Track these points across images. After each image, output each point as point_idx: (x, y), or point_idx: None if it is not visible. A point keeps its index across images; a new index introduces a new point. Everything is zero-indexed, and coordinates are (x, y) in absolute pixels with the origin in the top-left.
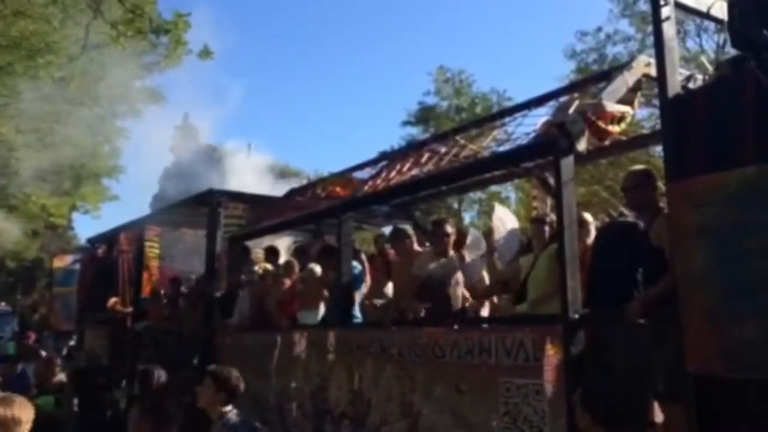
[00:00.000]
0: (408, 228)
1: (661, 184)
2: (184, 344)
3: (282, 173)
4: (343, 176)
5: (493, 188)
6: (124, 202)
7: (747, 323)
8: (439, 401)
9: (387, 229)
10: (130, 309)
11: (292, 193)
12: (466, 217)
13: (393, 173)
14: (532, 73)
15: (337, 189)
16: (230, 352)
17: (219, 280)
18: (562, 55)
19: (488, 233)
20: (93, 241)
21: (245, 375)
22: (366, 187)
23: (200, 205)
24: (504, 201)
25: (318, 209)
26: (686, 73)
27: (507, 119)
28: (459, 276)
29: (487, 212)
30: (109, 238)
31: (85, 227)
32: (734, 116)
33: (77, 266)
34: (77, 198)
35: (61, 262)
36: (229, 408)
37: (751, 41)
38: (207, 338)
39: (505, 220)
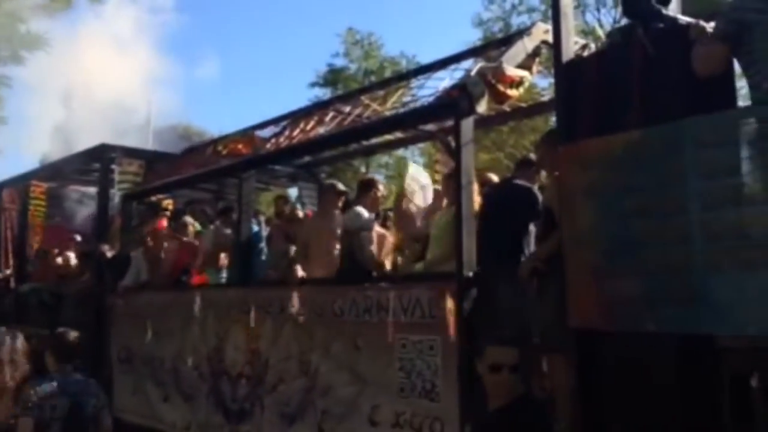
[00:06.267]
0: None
1: None
2: (74, 306)
3: (185, 133)
4: (245, 134)
5: (401, 153)
6: (9, 158)
7: (626, 279)
8: (337, 358)
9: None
10: (9, 270)
11: (191, 151)
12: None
13: (296, 132)
14: (442, 40)
15: (239, 147)
16: (123, 313)
17: (112, 240)
18: (470, 23)
19: (401, 195)
20: None
21: (139, 336)
22: (268, 146)
23: (92, 161)
24: (410, 166)
25: (218, 167)
26: (582, 42)
27: (411, 81)
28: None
29: (394, 177)
30: None
31: None
32: (621, 82)
33: None
34: None
35: None
36: (56, 369)
37: (641, 11)
38: (98, 299)
39: (419, 178)
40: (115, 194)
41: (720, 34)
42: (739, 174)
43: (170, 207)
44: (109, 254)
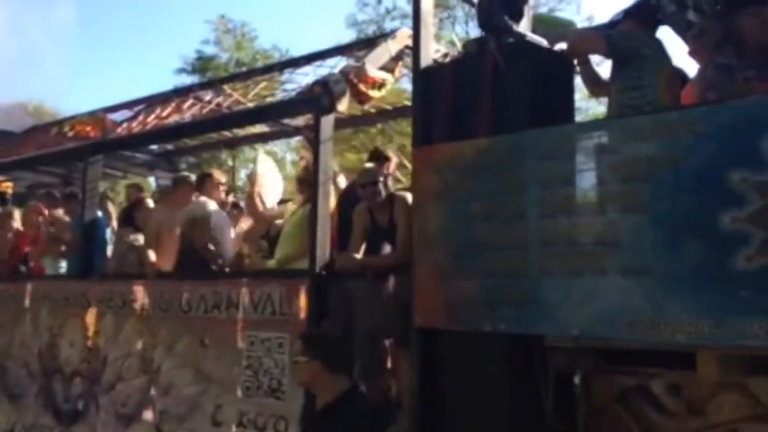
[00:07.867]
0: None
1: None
2: None
3: (35, 112)
4: (94, 116)
5: (270, 148)
6: None
7: (470, 281)
8: (182, 356)
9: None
10: None
11: (34, 130)
12: (242, 175)
13: (152, 117)
14: (316, 37)
15: (87, 129)
16: None
17: None
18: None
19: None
20: None
21: None
22: (119, 130)
23: None
24: (279, 162)
25: (61, 149)
26: (444, 50)
27: (276, 74)
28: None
29: None
30: None
31: None
32: (474, 91)
33: None
34: None
35: None
36: None
37: (494, 24)
38: None
39: (268, 170)
40: None
41: (610, 41)
42: (572, 185)
43: (9, 190)
44: None
